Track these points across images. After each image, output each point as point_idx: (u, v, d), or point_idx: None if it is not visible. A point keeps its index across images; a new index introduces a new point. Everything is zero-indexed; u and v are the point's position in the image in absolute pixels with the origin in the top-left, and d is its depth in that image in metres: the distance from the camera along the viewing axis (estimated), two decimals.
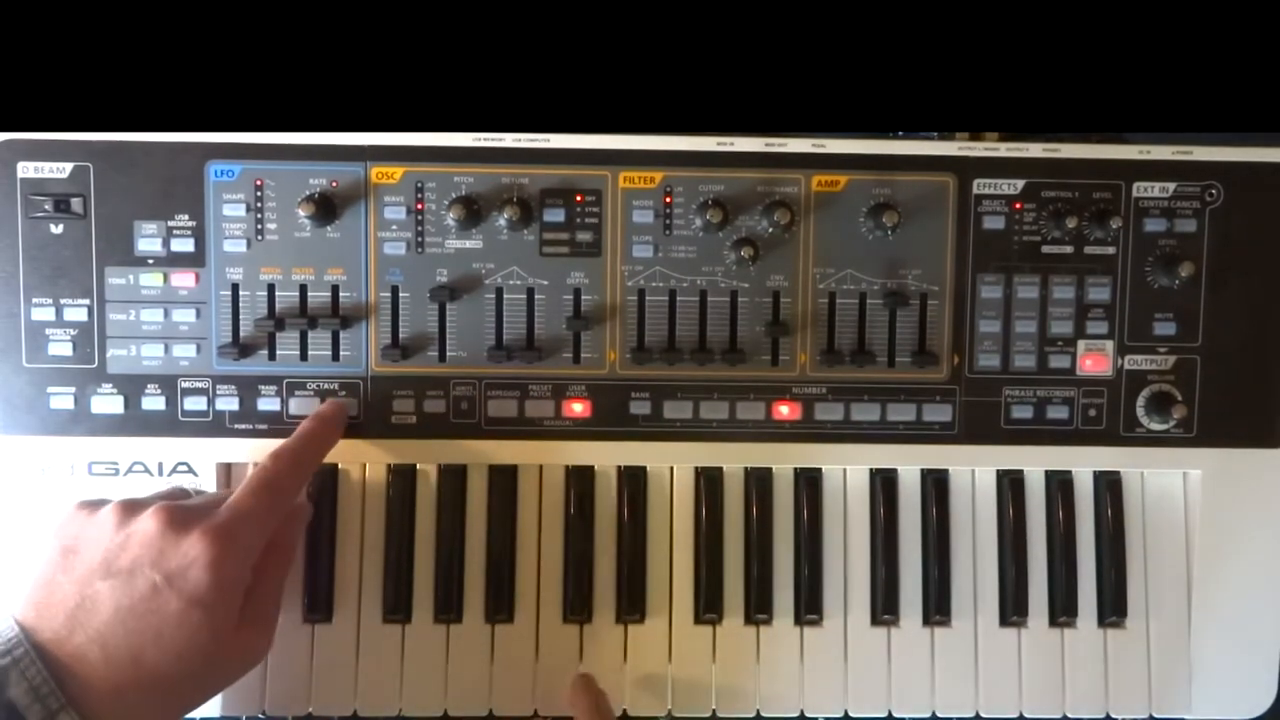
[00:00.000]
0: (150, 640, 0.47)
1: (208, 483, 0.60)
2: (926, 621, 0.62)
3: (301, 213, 0.58)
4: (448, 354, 0.60)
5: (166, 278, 0.59)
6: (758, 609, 0.61)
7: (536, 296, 0.60)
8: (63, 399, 0.59)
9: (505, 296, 0.60)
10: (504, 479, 0.62)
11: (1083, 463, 0.63)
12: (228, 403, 0.59)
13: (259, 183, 0.59)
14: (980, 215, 0.61)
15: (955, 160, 0.61)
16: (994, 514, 0.63)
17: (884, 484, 0.62)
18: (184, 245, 0.59)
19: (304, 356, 0.60)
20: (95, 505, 0.51)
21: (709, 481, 0.62)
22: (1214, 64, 0.57)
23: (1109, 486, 0.63)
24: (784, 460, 0.62)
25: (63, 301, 0.59)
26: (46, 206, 0.58)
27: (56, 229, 0.58)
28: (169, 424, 0.59)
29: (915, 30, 0.58)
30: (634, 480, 0.62)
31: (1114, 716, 0.62)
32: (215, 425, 0.60)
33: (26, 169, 0.58)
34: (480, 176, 0.60)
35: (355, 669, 0.60)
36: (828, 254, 0.61)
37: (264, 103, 0.57)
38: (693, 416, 0.61)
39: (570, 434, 0.61)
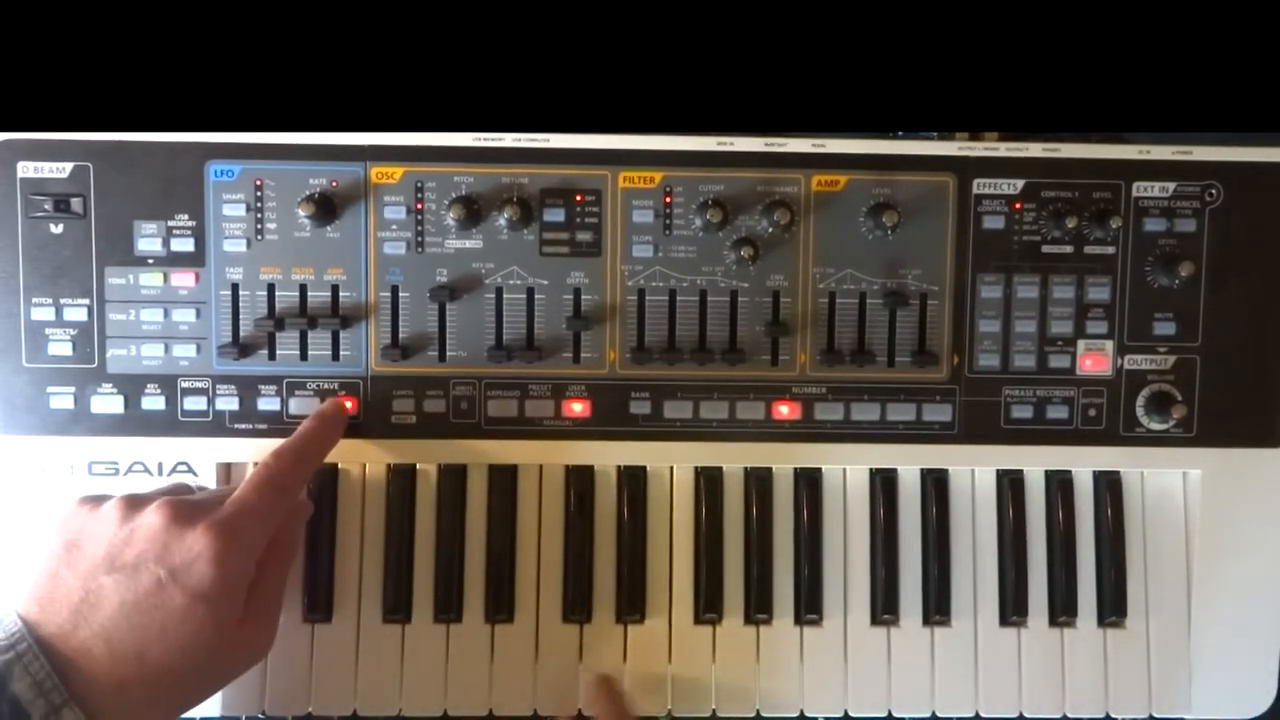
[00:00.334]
0: (155, 635, 0.47)
1: (208, 482, 0.60)
2: (926, 621, 0.62)
3: (301, 213, 0.58)
4: (448, 354, 0.60)
5: (166, 277, 0.59)
6: (758, 609, 0.61)
7: (536, 296, 0.60)
8: (63, 399, 0.59)
9: (505, 296, 0.60)
10: (504, 479, 0.62)
11: (1083, 462, 0.63)
12: (228, 402, 0.59)
13: (259, 183, 0.59)
14: (980, 215, 0.61)
15: (955, 160, 0.61)
16: (994, 514, 0.63)
17: (884, 484, 0.62)
18: (184, 245, 0.59)
19: (304, 356, 0.60)
20: (98, 500, 0.51)
21: (709, 481, 0.62)
22: (1214, 64, 0.57)
23: (1109, 486, 0.63)
24: (784, 460, 0.62)
25: (63, 301, 0.59)
26: (46, 206, 0.58)
27: (56, 229, 0.58)
28: (169, 424, 0.59)
29: (915, 30, 0.58)
30: (634, 480, 0.62)
31: (1114, 716, 0.62)
32: (215, 425, 0.60)
33: (26, 169, 0.58)
34: (480, 176, 0.60)
35: (355, 669, 0.60)
36: (828, 254, 0.61)
37: (264, 103, 0.57)
38: (693, 416, 0.61)
39: (570, 434, 0.61)
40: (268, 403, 0.60)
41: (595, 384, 0.61)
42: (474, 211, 0.59)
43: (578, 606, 0.61)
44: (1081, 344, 0.61)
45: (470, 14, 0.57)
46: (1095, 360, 0.61)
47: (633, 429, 0.61)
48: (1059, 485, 0.63)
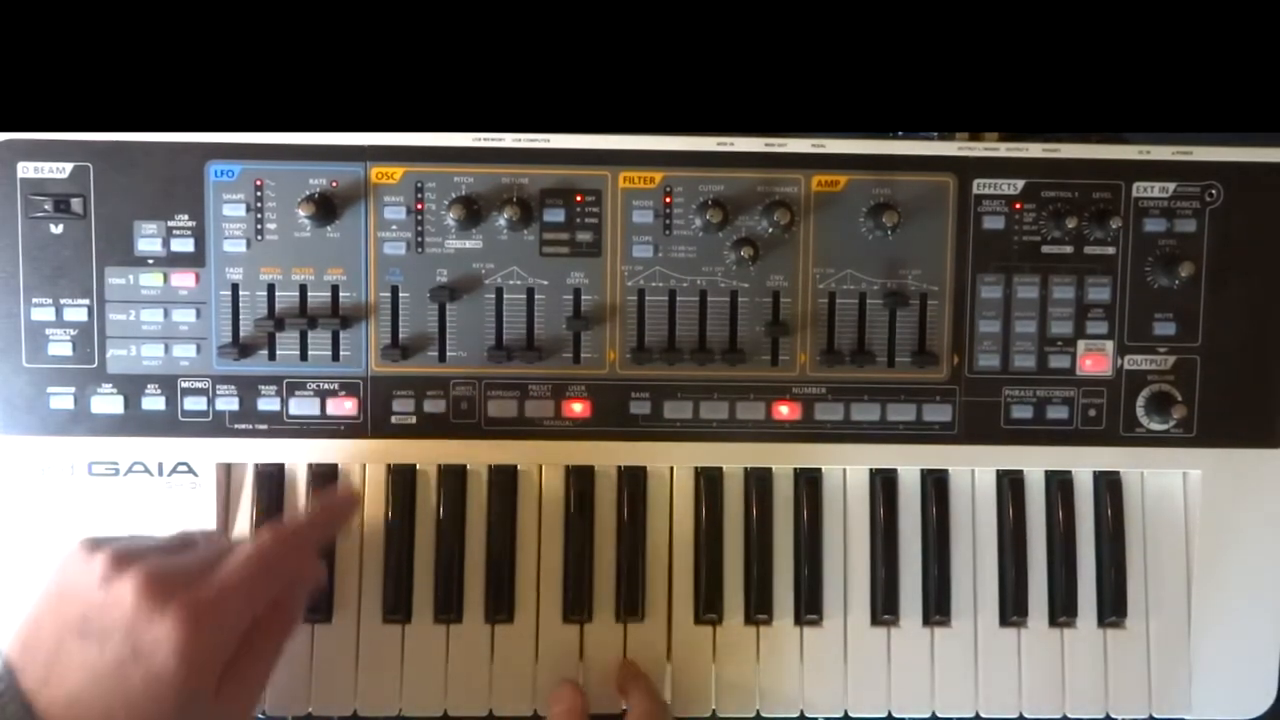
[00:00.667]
0: (119, 704, 0.45)
1: (208, 483, 0.60)
2: (926, 621, 0.62)
3: (301, 213, 0.58)
4: (448, 354, 0.60)
5: (166, 278, 0.59)
6: (758, 609, 0.61)
7: (536, 296, 0.60)
8: (63, 399, 0.59)
9: (505, 296, 0.60)
10: (504, 479, 0.62)
11: (1083, 463, 0.63)
12: (228, 403, 0.59)
13: (259, 183, 0.59)
14: (980, 215, 0.61)
15: (955, 160, 0.61)
16: (994, 514, 0.63)
17: (884, 484, 0.62)
18: (184, 245, 0.59)
19: (304, 356, 0.60)
20: (96, 547, 0.49)
21: (709, 481, 0.62)
22: (1214, 64, 0.57)
23: (1109, 486, 0.63)
24: (784, 460, 0.62)
25: (63, 301, 0.59)
26: (46, 206, 0.58)
27: (56, 229, 0.58)
28: (169, 424, 0.59)
29: (915, 30, 0.58)
30: (634, 480, 0.62)
31: (1114, 717, 0.62)
32: (215, 425, 0.60)
33: (26, 169, 0.58)
34: (480, 176, 0.60)
35: (355, 669, 0.60)
36: (828, 254, 0.61)
37: (264, 103, 0.57)
38: (693, 416, 0.61)
39: (570, 434, 0.61)
40: (268, 403, 0.60)
41: (595, 384, 0.61)
42: (474, 212, 0.59)
43: (578, 607, 0.61)
44: (1081, 344, 0.61)
45: (470, 14, 0.57)
46: (1095, 360, 0.61)
47: (633, 429, 0.61)
48: (1059, 485, 0.63)
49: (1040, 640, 0.62)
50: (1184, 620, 0.63)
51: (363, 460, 0.61)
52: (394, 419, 0.60)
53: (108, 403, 0.59)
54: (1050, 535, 0.63)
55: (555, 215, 0.60)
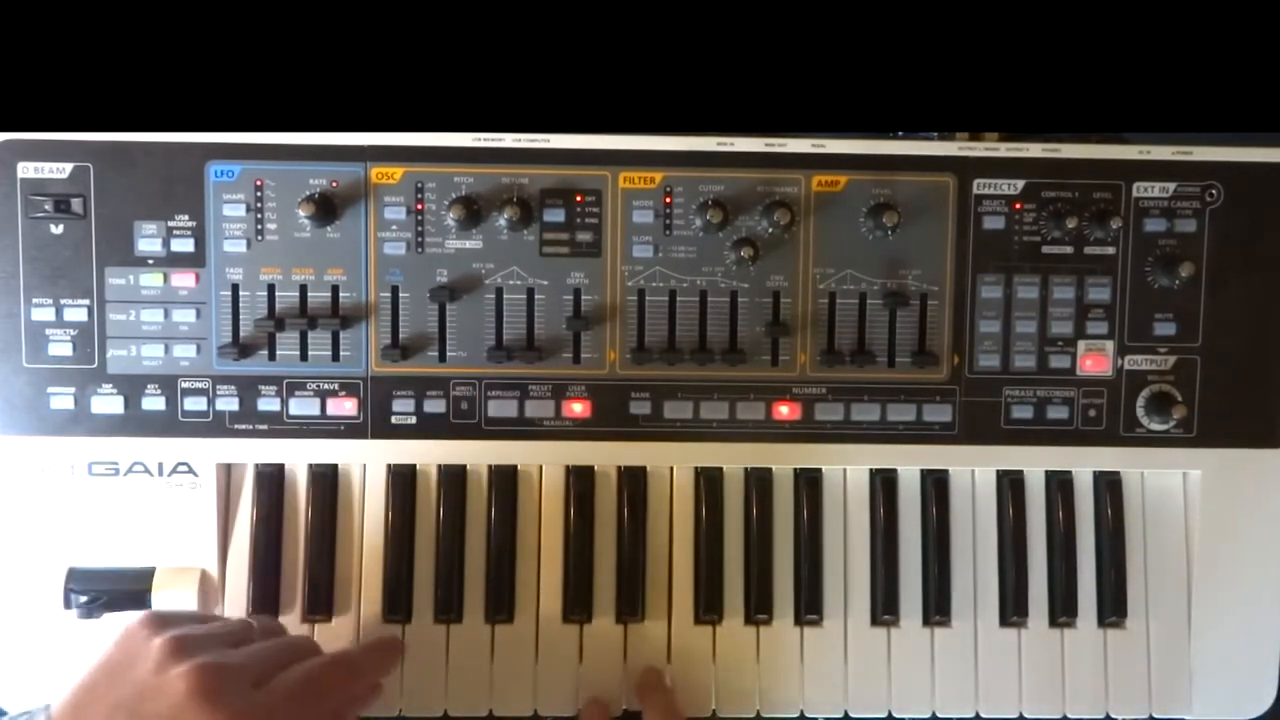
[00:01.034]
0: None
1: (208, 483, 0.60)
2: (926, 622, 0.62)
3: (301, 213, 0.58)
4: (448, 354, 0.60)
5: (166, 278, 0.59)
6: (758, 609, 0.61)
7: (536, 296, 0.60)
8: (63, 399, 0.59)
9: (505, 296, 0.60)
10: (504, 479, 0.62)
11: (1083, 463, 0.63)
12: (228, 403, 0.59)
13: (259, 183, 0.59)
14: (980, 215, 0.61)
15: (955, 160, 0.61)
16: (994, 514, 0.63)
17: (884, 484, 0.62)
18: (184, 245, 0.59)
19: (304, 357, 0.60)
20: (160, 628, 0.49)
21: (709, 482, 0.62)
22: (1214, 64, 0.57)
23: (1109, 487, 0.63)
24: (784, 460, 0.62)
25: (63, 302, 0.59)
26: (46, 207, 0.58)
27: (56, 229, 0.58)
28: (169, 424, 0.59)
29: (915, 30, 0.58)
30: (634, 480, 0.62)
31: (1114, 717, 0.62)
32: (215, 425, 0.60)
33: (26, 169, 0.58)
34: (480, 177, 0.60)
35: None
36: (828, 254, 0.61)
37: (264, 103, 0.57)
38: (693, 417, 0.61)
39: (570, 434, 0.61)
40: (268, 403, 0.60)
41: (595, 384, 0.61)
42: (474, 212, 0.59)
43: (578, 607, 0.61)
44: (1082, 344, 0.61)
45: (470, 14, 0.57)
46: (1095, 360, 0.61)
47: (633, 429, 0.61)
48: (1059, 486, 0.63)
49: (1040, 640, 0.62)
50: (1184, 620, 0.63)
51: (363, 460, 0.61)
52: (394, 419, 0.60)
53: (108, 403, 0.59)
54: (1050, 535, 0.63)
55: (555, 215, 0.60)
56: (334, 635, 0.60)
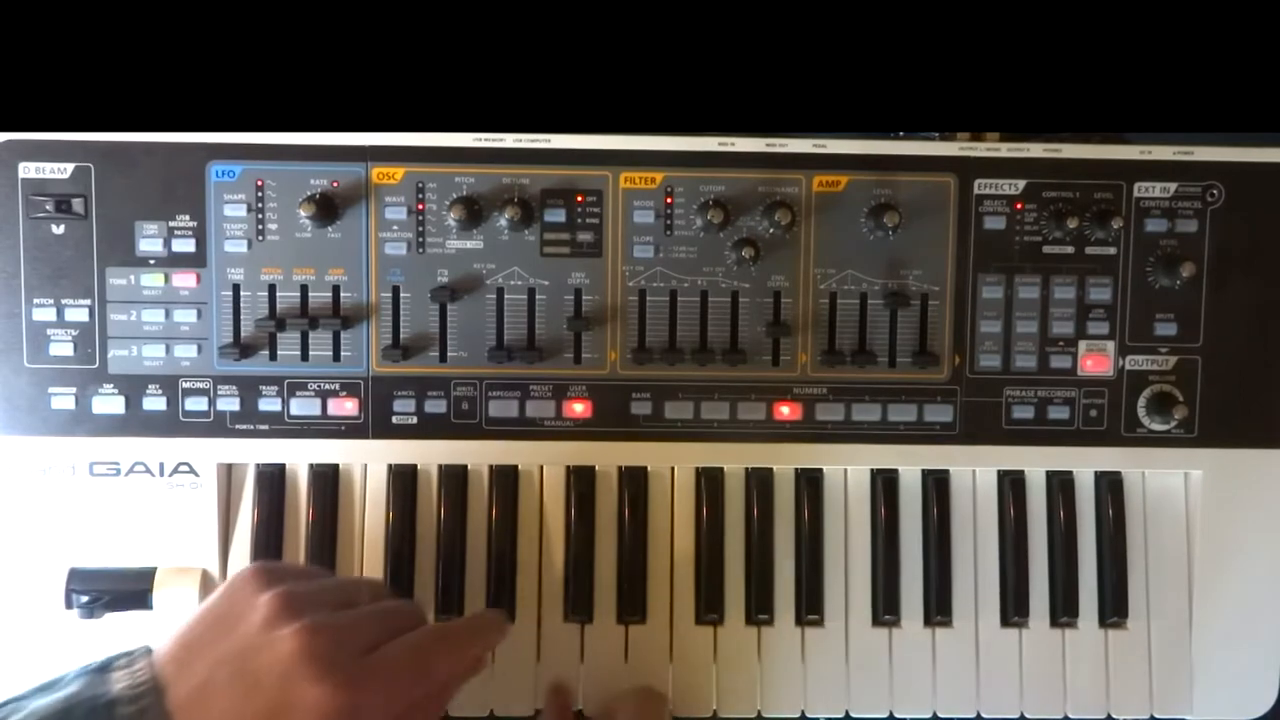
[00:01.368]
0: None
1: (209, 483, 0.60)
2: (928, 622, 0.62)
3: (302, 213, 0.58)
4: (448, 354, 0.60)
5: (168, 278, 0.59)
6: (759, 609, 0.61)
7: (537, 297, 0.60)
8: (64, 399, 0.59)
9: (506, 297, 0.60)
10: (505, 479, 0.62)
11: (1084, 463, 0.62)
12: (229, 403, 0.59)
13: (260, 183, 0.59)
14: (981, 215, 0.61)
15: (956, 160, 0.61)
16: (995, 514, 0.63)
17: (885, 484, 0.62)
18: (185, 246, 0.59)
19: (305, 357, 0.60)
20: (269, 582, 0.48)
21: (710, 482, 0.62)
22: (1214, 64, 0.57)
23: (1110, 487, 0.63)
24: (785, 460, 0.62)
25: (64, 302, 0.59)
26: (48, 207, 0.58)
27: (58, 229, 0.58)
28: (170, 424, 0.59)
29: (916, 30, 0.58)
30: (635, 480, 0.62)
31: (1115, 717, 0.62)
32: (216, 425, 0.60)
33: (27, 169, 0.58)
34: (481, 177, 0.60)
35: None
36: (828, 254, 0.61)
37: (265, 103, 0.57)
38: (693, 417, 0.61)
39: (571, 434, 0.61)
40: (269, 403, 0.60)
41: (596, 384, 0.61)
42: (475, 212, 0.59)
43: (579, 607, 0.61)
44: (1083, 344, 0.61)
45: (471, 14, 0.57)
46: (1096, 361, 0.61)
47: (634, 429, 0.61)
48: (1060, 486, 0.63)
49: (1041, 641, 0.62)
50: (1185, 621, 0.63)
51: (363, 460, 0.61)
52: (395, 419, 0.60)
53: (109, 403, 0.59)
54: (1051, 535, 0.63)
55: (556, 215, 0.60)
56: None
